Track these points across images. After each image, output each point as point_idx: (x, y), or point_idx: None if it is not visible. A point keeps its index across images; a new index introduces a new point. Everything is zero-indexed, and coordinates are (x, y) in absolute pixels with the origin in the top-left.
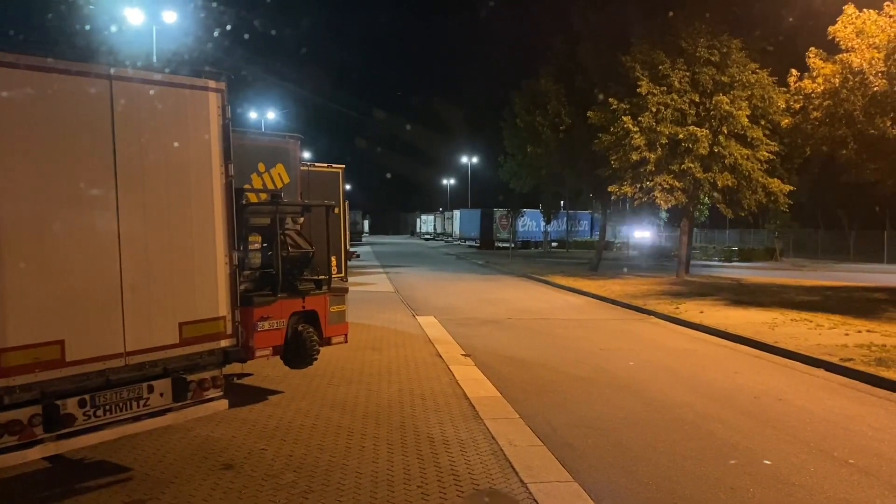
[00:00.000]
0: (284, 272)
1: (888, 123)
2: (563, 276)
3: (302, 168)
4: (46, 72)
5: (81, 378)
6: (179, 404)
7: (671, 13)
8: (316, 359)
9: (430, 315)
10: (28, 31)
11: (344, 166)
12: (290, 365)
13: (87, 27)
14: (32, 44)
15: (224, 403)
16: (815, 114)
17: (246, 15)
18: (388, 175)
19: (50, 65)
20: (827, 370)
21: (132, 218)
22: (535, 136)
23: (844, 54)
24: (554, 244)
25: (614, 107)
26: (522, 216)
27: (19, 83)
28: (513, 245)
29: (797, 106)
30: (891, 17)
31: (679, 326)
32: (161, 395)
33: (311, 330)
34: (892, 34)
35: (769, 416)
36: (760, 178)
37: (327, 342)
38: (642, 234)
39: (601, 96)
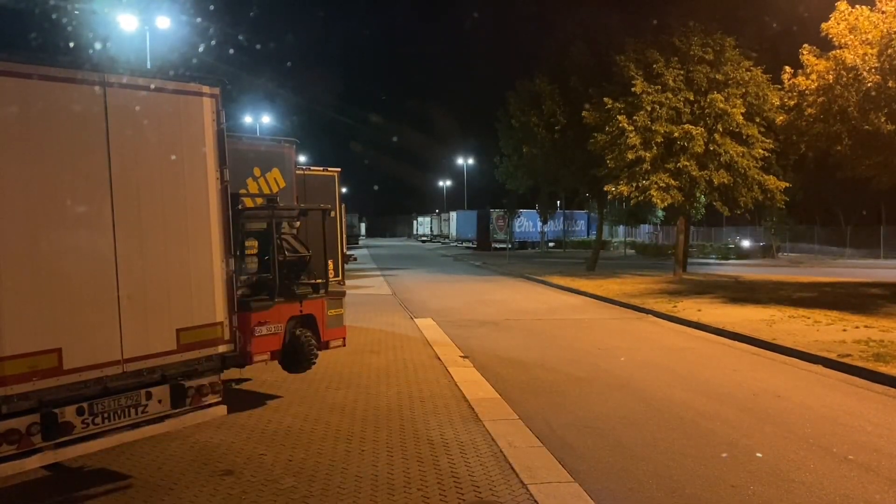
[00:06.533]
0: (281, 276)
1: (882, 119)
2: (561, 276)
3: (297, 172)
4: (39, 79)
5: (79, 386)
6: (178, 410)
7: (664, 12)
8: (314, 363)
9: (427, 317)
10: (14, 41)
11: (339, 169)
12: (288, 369)
13: (72, 27)
14: (22, 51)
15: (223, 409)
16: (809, 110)
17: (239, 20)
18: (384, 178)
19: (42, 72)
20: (825, 366)
21: (127, 224)
22: (531, 136)
23: (838, 51)
24: (551, 244)
25: (609, 106)
26: (519, 217)
27: (11, 91)
28: (510, 246)
29: (791, 103)
30: (883, 12)
31: (677, 325)
32: (159, 401)
33: (308, 334)
34: (885, 30)
35: (768, 414)
36: (756, 176)
37: (325, 346)
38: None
39: (594, 95)
